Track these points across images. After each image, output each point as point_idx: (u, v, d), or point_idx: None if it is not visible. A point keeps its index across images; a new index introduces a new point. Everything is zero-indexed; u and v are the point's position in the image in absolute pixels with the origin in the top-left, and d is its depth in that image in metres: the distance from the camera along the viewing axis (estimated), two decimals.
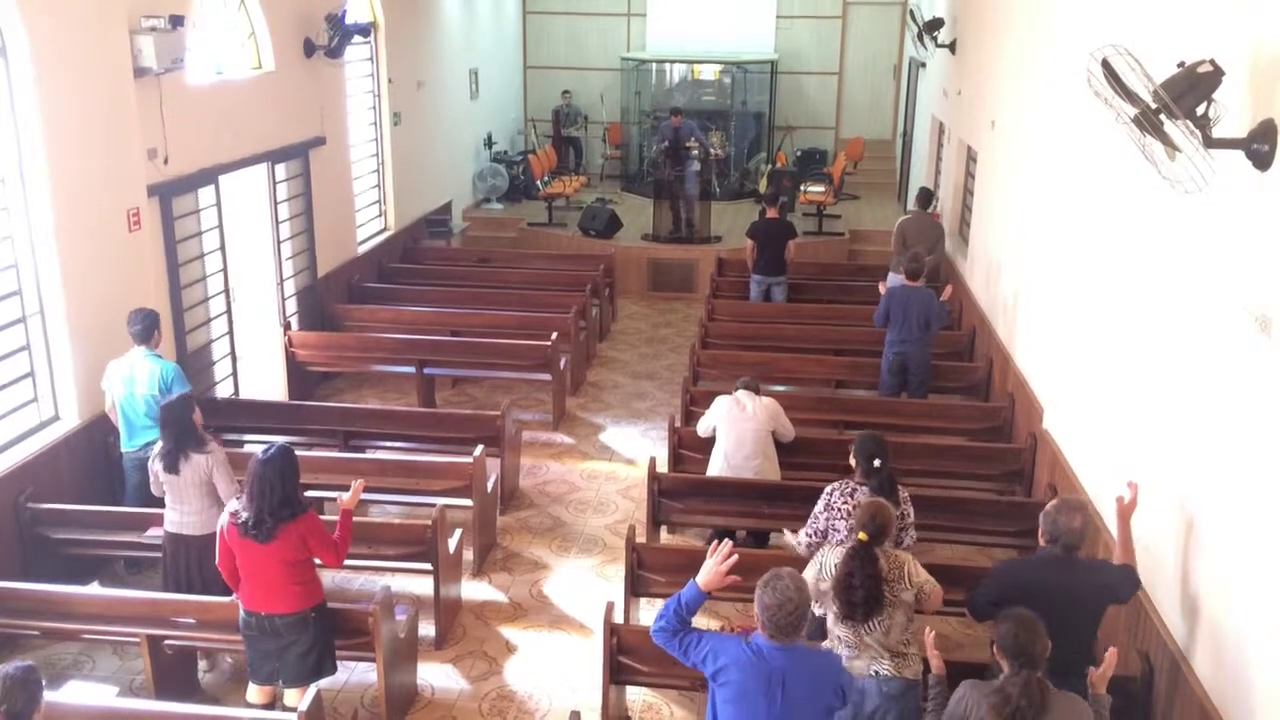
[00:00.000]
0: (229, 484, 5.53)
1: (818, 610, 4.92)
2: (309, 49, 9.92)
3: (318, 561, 5.03)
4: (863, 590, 4.36)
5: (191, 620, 5.40)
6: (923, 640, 4.36)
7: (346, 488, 5.30)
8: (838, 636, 4.56)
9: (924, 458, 7.48)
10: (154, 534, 6.09)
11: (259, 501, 4.77)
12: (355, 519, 5.30)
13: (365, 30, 10.96)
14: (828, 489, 5.34)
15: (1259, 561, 3.97)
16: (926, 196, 11.02)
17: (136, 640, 5.44)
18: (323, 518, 5.24)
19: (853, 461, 5.37)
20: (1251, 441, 4.05)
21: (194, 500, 5.59)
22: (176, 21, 7.38)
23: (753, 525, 7.07)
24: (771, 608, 3.63)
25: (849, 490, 5.25)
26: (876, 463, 5.20)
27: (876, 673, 4.48)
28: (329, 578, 6.73)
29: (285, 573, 4.88)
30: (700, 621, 6.40)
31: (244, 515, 4.81)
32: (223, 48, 8.87)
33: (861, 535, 4.43)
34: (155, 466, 5.64)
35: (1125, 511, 4.53)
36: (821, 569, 4.62)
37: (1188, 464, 4.66)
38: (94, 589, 5.68)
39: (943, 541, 7.00)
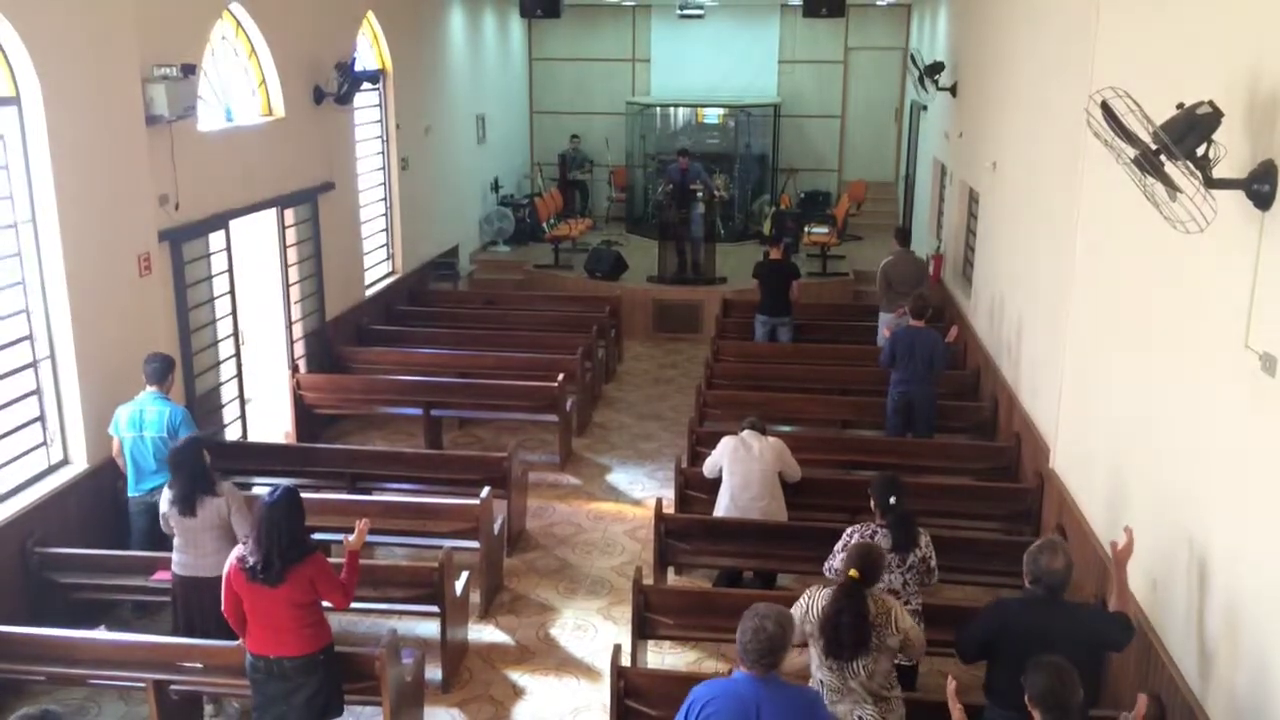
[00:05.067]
0: (249, 525, 5.52)
1: (797, 655, 4.89)
2: (318, 96, 10.06)
3: (325, 604, 5.02)
4: (850, 629, 4.33)
5: (198, 665, 5.38)
6: (948, 692, 4.16)
7: (353, 529, 5.29)
8: (820, 680, 4.51)
9: (930, 498, 7.46)
10: (161, 579, 6.09)
11: (267, 544, 4.77)
12: (363, 561, 5.29)
13: (374, 77, 11.13)
14: (847, 531, 5.34)
15: (1272, 602, 3.95)
16: (905, 235, 11.10)
17: (143, 685, 5.41)
18: (330, 560, 5.23)
19: (871, 504, 5.37)
20: (1259, 480, 4.05)
21: (209, 543, 5.57)
22: (188, 70, 7.50)
23: (759, 566, 7.05)
24: (746, 632, 3.69)
25: (869, 533, 5.23)
26: (892, 500, 5.20)
27: (860, 718, 4.44)
28: (335, 620, 6.69)
29: (294, 615, 4.86)
30: (709, 665, 6.40)
31: (251, 559, 4.80)
32: (233, 95, 9.00)
33: (853, 572, 4.41)
34: (167, 510, 5.63)
35: (1120, 557, 4.46)
36: (808, 610, 4.53)
37: (1196, 503, 4.65)
38: (100, 633, 5.67)
39: (950, 583, 6.96)
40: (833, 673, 4.47)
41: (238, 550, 4.90)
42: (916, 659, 5.10)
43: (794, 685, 4.03)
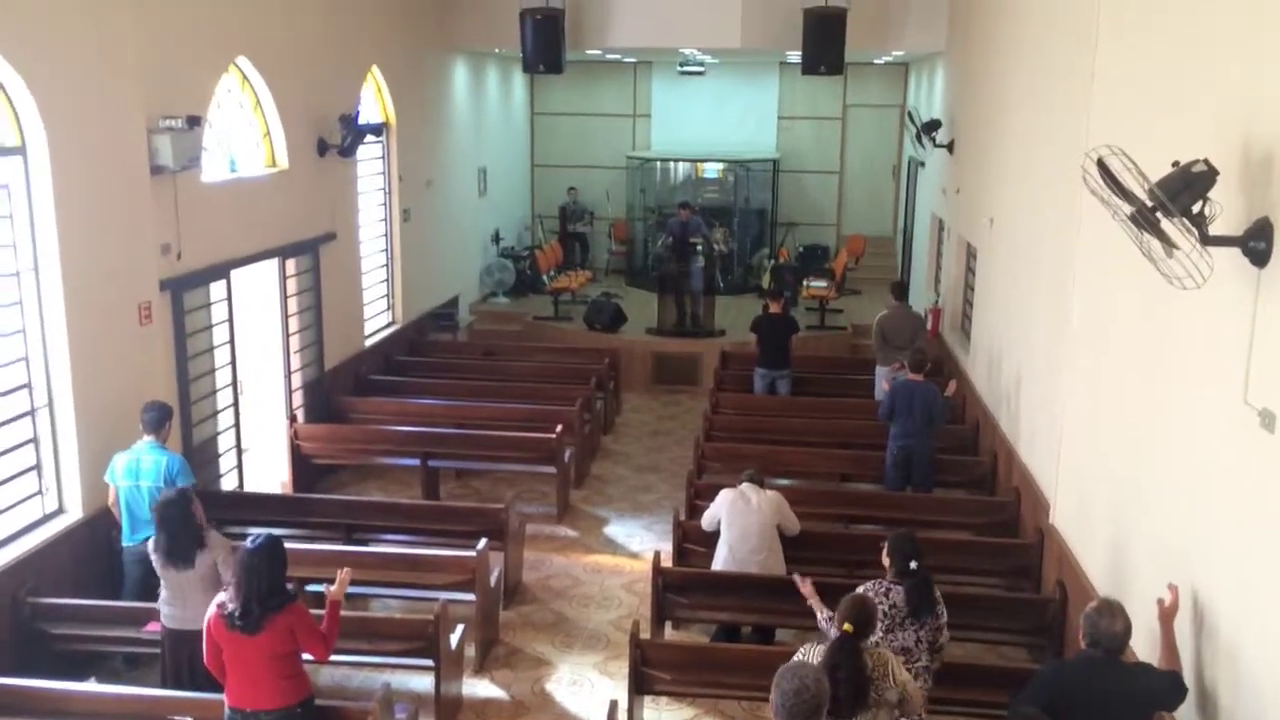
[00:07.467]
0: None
1: None
2: (322, 148, 10.16)
3: (306, 656, 4.96)
4: (848, 684, 4.26)
5: (188, 718, 5.30)
6: None
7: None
8: None
9: (930, 553, 7.31)
10: (153, 631, 6.02)
11: (246, 591, 4.71)
12: (357, 613, 5.24)
13: (377, 130, 11.25)
14: (860, 589, 5.17)
15: (1274, 657, 3.91)
16: (901, 289, 11.17)
17: None
18: (316, 612, 5.16)
19: (886, 561, 5.32)
20: (1262, 536, 4.03)
21: (197, 594, 5.50)
22: (193, 122, 7.58)
23: (758, 620, 6.98)
24: (788, 695, 3.56)
25: (883, 590, 5.17)
26: (913, 565, 5.17)
27: None
28: (328, 674, 6.63)
29: (272, 666, 4.79)
30: None
31: (230, 607, 4.75)
32: (238, 147, 9.09)
33: (846, 626, 4.36)
34: (154, 559, 5.57)
35: (1167, 615, 4.44)
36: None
37: (1198, 560, 4.62)
38: (91, 685, 5.59)
39: (951, 639, 6.88)
40: None
41: (219, 597, 4.85)
42: (915, 713, 5.03)
43: None
